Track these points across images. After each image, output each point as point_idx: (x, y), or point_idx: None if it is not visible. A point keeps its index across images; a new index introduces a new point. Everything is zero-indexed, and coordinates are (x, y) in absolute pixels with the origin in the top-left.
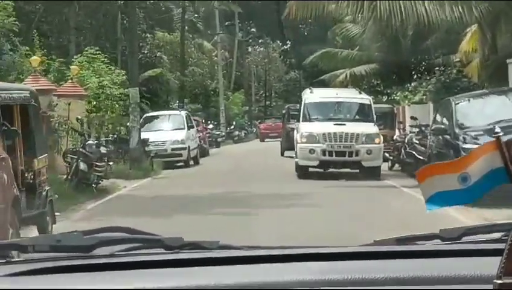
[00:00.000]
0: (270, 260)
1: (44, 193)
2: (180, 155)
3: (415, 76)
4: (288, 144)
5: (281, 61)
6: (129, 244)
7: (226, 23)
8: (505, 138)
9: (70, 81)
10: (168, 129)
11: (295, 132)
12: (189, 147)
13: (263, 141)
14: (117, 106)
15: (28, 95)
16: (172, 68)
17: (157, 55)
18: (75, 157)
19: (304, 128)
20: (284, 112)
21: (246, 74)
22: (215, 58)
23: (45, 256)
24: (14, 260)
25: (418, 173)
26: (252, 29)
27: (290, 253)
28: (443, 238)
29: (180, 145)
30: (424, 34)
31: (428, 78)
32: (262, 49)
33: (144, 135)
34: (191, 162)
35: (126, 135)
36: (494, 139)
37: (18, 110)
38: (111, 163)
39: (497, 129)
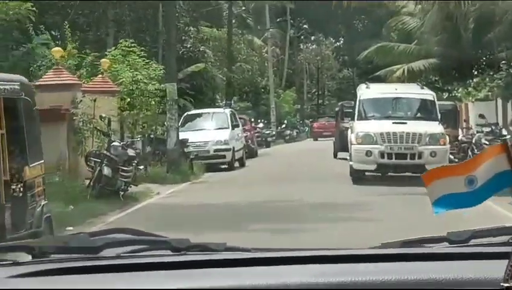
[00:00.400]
0: (276, 262)
1: (39, 209)
2: (224, 157)
3: (477, 71)
4: (342, 145)
5: (334, 58)
6: (136, 245)
7: (278, 20)
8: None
9: (100, 76)
10: (210, 128)
11: (349, 131)
12: (233, 147)
13: (316, 140)
14: (153, 102)
15: (17, 87)
16: (219, 64)
17: (201, 49)
18: (99, 160)
19: (360, 127)
20: (337, 109)
21: (298, 70)
22: (266, 54)
23: (53, 257)
24: (22, 261)
25: (425, 175)
26: (304, 26)
27: (296, 255)
28: (451, 241)
29: (223, 146)
30: (486, 26)
31: (491, 73)
32: (314, 46)
33: (184, 135)
34: (236, 164)
35: (163, 134)
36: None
37: (1, 105)
38: (142, 167)
39: (504, 132)
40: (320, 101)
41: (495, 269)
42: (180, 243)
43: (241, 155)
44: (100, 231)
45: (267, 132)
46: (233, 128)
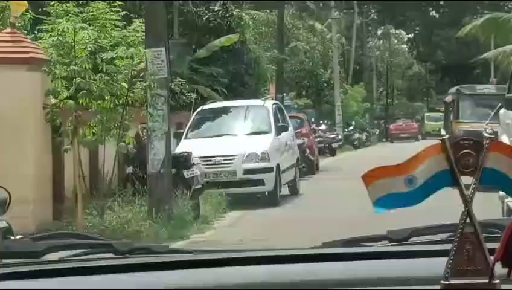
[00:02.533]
0: (217, 264)
1: None
2: (261, 183)
3: None
4: None
5: (407, 51)
6: (79, 249)
7: (344, 10)
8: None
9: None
10: (238, 133)
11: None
12: (278, 166)
13: (392, 142)
14: (125, 86)
15: None
16: (266, 43)
17: (235, 13)
18: None
19: None
20: (449, 99)
21: (367, 64)
22: (329, 42)
23: None
24: None
25: (365, 175)
26: (372, 15)
27: (237, 256)
28: (391, 239)
29: (261, 164)
30: None
31: None
32: (383, 40)
33: (188, 146)
34: (284, 191)
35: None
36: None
37: None
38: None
39: (443, 132)
40: (389, 101)
41: (435, 267)
42: (123, 245)
43: (293, 176)
44: (43, 235)
45: (332, 135)
46: (278, 133)
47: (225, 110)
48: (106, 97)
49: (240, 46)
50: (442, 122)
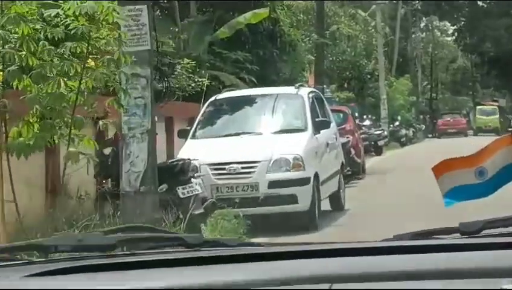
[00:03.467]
0: (289, 257)
1: None
2: (292, 199)
3: None
4: None
5: (453, 43)
6: (149, 242)
7: None
8: None
9: None
10: (262, 132)
11: None
12: (317, 175)
13: (440, 137)
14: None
15: None
16: (305, 33)
17: None
18: None
19: None
20: None
21: (411, 55)
22: (373, 30)
23: (66, 256)
24: (35, 260)
25: (435, 168)
26: (417, 4)
27: (308, 249)
28: (463, 232)
29: (292, 174)
30: None
31: None
32: (426, 33)
33: (194, 148)
34: (324, 207)
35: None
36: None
37: None
38: None
39: None
40: (433, 95)
41: (508, 259)
42: (193, 239)
43: (336, 187)
44: (114, 228)
45: (377, 132)
46: (317, 131)
47: (246, 101)
48: (49, 75)
49: (271, 27)
50: (497, 117)
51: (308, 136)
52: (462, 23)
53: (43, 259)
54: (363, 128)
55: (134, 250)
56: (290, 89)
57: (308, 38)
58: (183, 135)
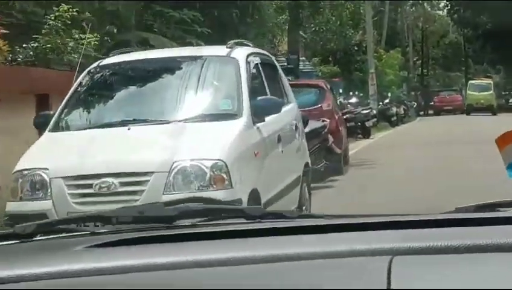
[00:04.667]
0: (350, 229)
1: None
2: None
3: None
4: None
5: (445, 15)
6: (210, 214)
7: None
8: None
9: None
10: (166, 119)
11: None
12: (255, 194)
13: (437, 115)
14: None
15: None
16: None
17: None
18: None
19: None
20: None
21: (401, 27)
22: None
23: (128, 227)
24: (97, 231)
25: (499, 139)
26: None
27: (370, 221)
28: None
29: (211, 195)
30: None
31: None
32: (416, 6)
33: (49, 148)
34: None
35: None
36: None
37: None
38: None
39: None
40: (424, 71)
41: None
42: (254, 211)
43: (295, 203)
44: (174, 200)
45: (365, 111)
46: (258, 118)
47: (144, 69)
48: None
49: None
50: (491, 92)
51: (240, 127)
52: None
53: (105, 230)
54: (349, 106)
55: (195, 222)
56: (218, 50)
57: None
58: (43, 123)
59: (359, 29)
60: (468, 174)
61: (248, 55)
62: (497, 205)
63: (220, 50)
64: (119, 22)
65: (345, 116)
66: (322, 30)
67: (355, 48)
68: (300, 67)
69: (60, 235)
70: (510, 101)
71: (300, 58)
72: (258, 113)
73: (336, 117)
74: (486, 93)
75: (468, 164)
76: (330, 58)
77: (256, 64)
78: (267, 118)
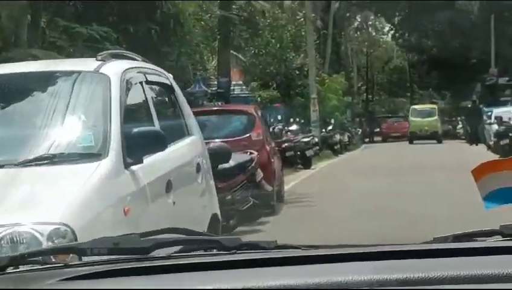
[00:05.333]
0: (327, 260)
1: None
2: None
3: None
4: None
5: (391, 39)
6: (187, 245)
7: None
8: None
9: None
10: None
11: None
12: None
13: (385, 141)
14: None
15: None
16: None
17: None
18: None
19: None
20: None
21: (346, 52)
22: (302, 20)
23: (103, 259)
24: (72, 263)
25: (475, 170)
26: None
27: (347, 252)
28: (504, 234)
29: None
30: None
31: None
32: (362, 31)
33: None
34: None
35: None
36: None
37: None
38: None
39: None
40: (369, 96)
41: None
42: (230, 242)
43: None
44: (150, 231)
45: (306, 139)
46: (134, 158)
47: None
48: None
49: None
50: (436, 118)
51: (104, 172)
52: (400, 17)
53: (79, 262)
54: (289, 134)
55: (171, 253)
56: (84, 63)
57: (207, 13)
58: None
59: (301, 53)
60: (415, 206)
61: (125, 71)
62: (474, 235)
63: (88, 64)
64: (2, 36)
65: (283, 145)
66: (262, 53)
67: (297, 72)
68: (236, 92)
69: (33, 268)
70: (458, 127)
71: (237, 83)
72: (133, 152)
73: (268, 148)
74: (430, 119)
75: (415, 195)
76: (270, 83)
77: (139, 83)
78: (147, 159)
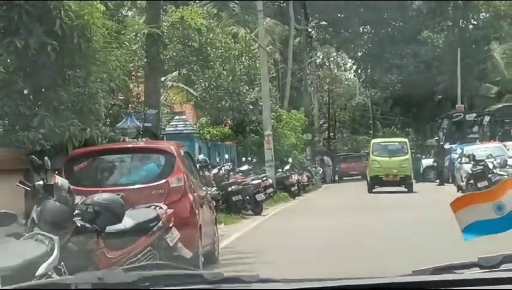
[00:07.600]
0: None
1: None
2: None
3: None
4: None
5: (353, 75)
6: (170, 279)
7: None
8: None
9: None
10: None
11: None
12: None
13: (341, 179)
14: None
15: None
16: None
17: None
18: None
19: None
20: None
21: (306, 88)
22: (256, 51)
23: None
24: None
25: (453, 203)
26: (312, 32)
27: (329, 285)
28: (482, 266)
29: None
30: None
31: None
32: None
33: None
34: None
35: None
36: None
37: None
38: None
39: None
40: (331, 135)
41: None
42: (213, 276)
43: None
44: (135, 266)
45: (255, 181)
46: None
47: None
48: None
49: None
50: (406, 157)
51: None
52: (363, 52)
53: None
54: (239, 175)
55: (156, 287)
56: None
57: (125, 26)
58: None
59: (255, 86)
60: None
61: None
62: (452, 268)
63: None
64: None
65: (229, 189)
66: (213, 86)
67: (251, 107)
68: (179, 129)
69: None
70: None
71: (182, 118)
72: None
73: (191, 197)
74: (399, 158)
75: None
76: (222, 119)
77: None
78: None
